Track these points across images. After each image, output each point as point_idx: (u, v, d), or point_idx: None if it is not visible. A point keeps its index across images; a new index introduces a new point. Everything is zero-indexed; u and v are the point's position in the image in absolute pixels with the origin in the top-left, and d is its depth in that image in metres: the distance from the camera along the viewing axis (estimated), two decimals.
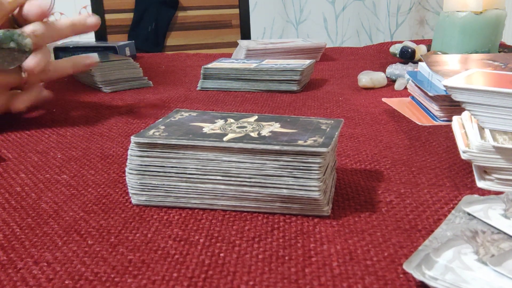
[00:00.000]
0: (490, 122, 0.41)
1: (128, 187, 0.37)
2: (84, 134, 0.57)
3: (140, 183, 0.37)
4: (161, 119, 0.40)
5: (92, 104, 0.71)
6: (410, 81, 0.67)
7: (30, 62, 0.56)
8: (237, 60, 0.85)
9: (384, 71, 0.83)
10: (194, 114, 0.42)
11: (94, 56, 0.65)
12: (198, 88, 0.80)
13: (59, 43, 1.12)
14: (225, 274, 0.29)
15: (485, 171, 0.40)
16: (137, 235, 0.33)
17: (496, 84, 0.42)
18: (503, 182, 0.39)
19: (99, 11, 2.09)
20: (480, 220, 0.31)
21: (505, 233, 0.30)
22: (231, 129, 0.37)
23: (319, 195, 0.34)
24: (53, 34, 0.59)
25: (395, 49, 0.94)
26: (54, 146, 0.52)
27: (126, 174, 0.37)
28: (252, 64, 0.80)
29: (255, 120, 0.40)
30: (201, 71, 0.80)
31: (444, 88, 0.44)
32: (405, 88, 0.75)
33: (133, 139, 0.36)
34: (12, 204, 0.38)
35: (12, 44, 0.56)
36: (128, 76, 0.82)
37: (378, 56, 1.10)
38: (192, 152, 0.35)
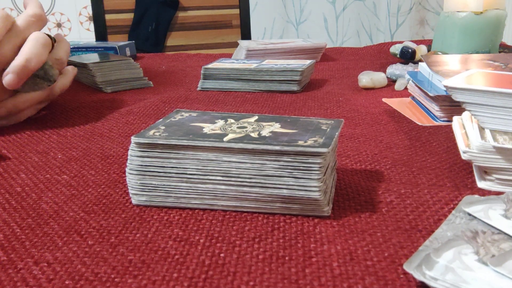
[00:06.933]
0: (490, 122, 0.41)
1: (129, 187, 0.37)
2: (85, 135, 0.57)
3: (140, 183, 0.37)
4: (161, 120, 0.40)
5: (93, 104, 0.71)
6: (410, 81, 0.67)
7: (64, 84, 0.64)
8: (238, 60, 0.85)
9: (384, 71, 0.83)
10: (194, 114, 0.42)
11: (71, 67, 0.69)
12: (198, 88, 0.80)
13: None
14: (225, 274, 0.29)
15: (485, 172, 0.40)
16: (137, 235, 0.33)
17: (497, 85, 0.42)
18: (504, 182, 0.39)
19: (99, 11, 2.09)
20: (481, 220, 0.31)
21: (505, 234, 0.30)
22: (231, 130, 0.37)
23: (319, 195, 0.34)
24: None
25: (396, 49, 0.94)
26: (55, 146, 0.52)
27: (127, 174, 0.37)
28: (252, 64, 0.80)
29: (256, 121, 0.40)
30: (201, 71, 0.80)
31: (445, 88, 0.44)
32: (406, 88, 0.75)
33: (133, 139, 0.36)
34: (12, 204, 0.38)
35: (40, 72, 0.57)
36: (129, 76, 0.82)
37: (379, 56, 1.10)
38: (192, 152, 0.35)
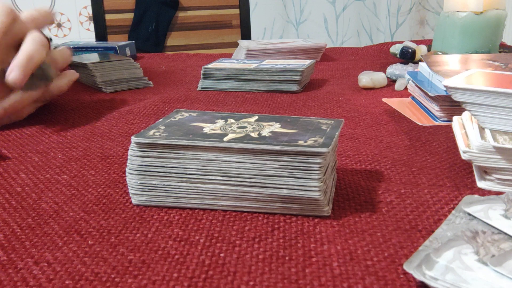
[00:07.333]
0: (490, 122, 0.41)
1: (129, 187, 0.37)
2: (85, 134, 0.57)
3: (140, 183, 0.37)
4: (161, 119, 0.40)
5: (93, 104, 0.71)
6: (410, 81, 0.67)
7: (61, 85, 0.64)
8: (238, 60, 0.85)
9: (384, 71, 0.83)
10: (195, 114, 0.42)
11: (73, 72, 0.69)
12: (198, 88, 0.80)
13: (59, 43, 1.12)
14: (225, 274, 0.29)
15: (485, 171, 0.40)
16: (138, 235, 0.33)
17: (497, 84, 0.42)
18: (504, 182, 0.39)
19: (100, 11, 2.09)
20: (481, 220, 0.31)
21: (505, 234, 0.30)
22: (231, 129, 0.37)
23: (319, 195, 0.34)
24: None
25: (396, 49, 0.94)
26: (55, 146, 0.52)
27: (127, 174, 0.37)
28: (252, 64, 0.80)
29: (256, 120, 0.40)
30: (202, 71, 0.80)
31: (445, 88, 0.44)
32: (406, 88, 0.75)
33: (133, 139, 0.36)
34: (12, 204, 0.38)
35: (39, 72, 0.58)
36: (129, 76, 0.82)
37: (379, 56, 1.10)
38: (192, 152, 0.35)
